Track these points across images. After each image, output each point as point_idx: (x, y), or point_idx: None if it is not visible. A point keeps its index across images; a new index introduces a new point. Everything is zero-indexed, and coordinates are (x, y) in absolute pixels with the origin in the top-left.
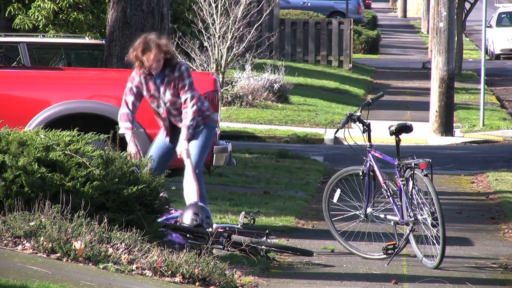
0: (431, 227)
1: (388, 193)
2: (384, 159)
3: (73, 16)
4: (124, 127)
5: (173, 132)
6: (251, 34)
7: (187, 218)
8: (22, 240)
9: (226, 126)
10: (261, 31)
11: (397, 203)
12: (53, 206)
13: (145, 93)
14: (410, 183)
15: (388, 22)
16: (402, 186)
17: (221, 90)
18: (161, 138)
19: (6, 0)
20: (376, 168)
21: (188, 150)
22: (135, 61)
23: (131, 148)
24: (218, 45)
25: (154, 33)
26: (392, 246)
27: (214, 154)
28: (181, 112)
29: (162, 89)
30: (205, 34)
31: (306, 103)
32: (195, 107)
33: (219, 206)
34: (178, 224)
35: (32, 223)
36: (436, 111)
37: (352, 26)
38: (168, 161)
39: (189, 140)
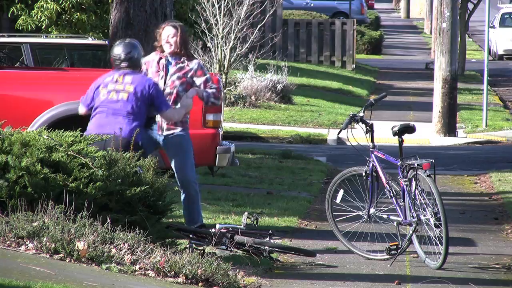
0: (434, 228)
1: (391, 194)
2: (387, 160)
3: (76, 16)
4: None
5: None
6: (254, 34)
7: None
8: (25, 240)
9: (229, 126)
10: (264, 32)
11: (400, 204)
12: (56, 206)
13: (151, 69)
14: (413, 183)
15: (391, 22)
16: (405, 186)
17: (224, 91)
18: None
19: (9, 1)
20: (379, 169)
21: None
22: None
23: None
24: (221, 46)
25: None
26: (395, 246)
27: (217, 155)
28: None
29: (172, 70)
30: (208, 35)
31: (309, 103)
32: (219, 89)
33: (222, 206)
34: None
35: (35, 224)
36: (439, 112)
37: (355, 26)
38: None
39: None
